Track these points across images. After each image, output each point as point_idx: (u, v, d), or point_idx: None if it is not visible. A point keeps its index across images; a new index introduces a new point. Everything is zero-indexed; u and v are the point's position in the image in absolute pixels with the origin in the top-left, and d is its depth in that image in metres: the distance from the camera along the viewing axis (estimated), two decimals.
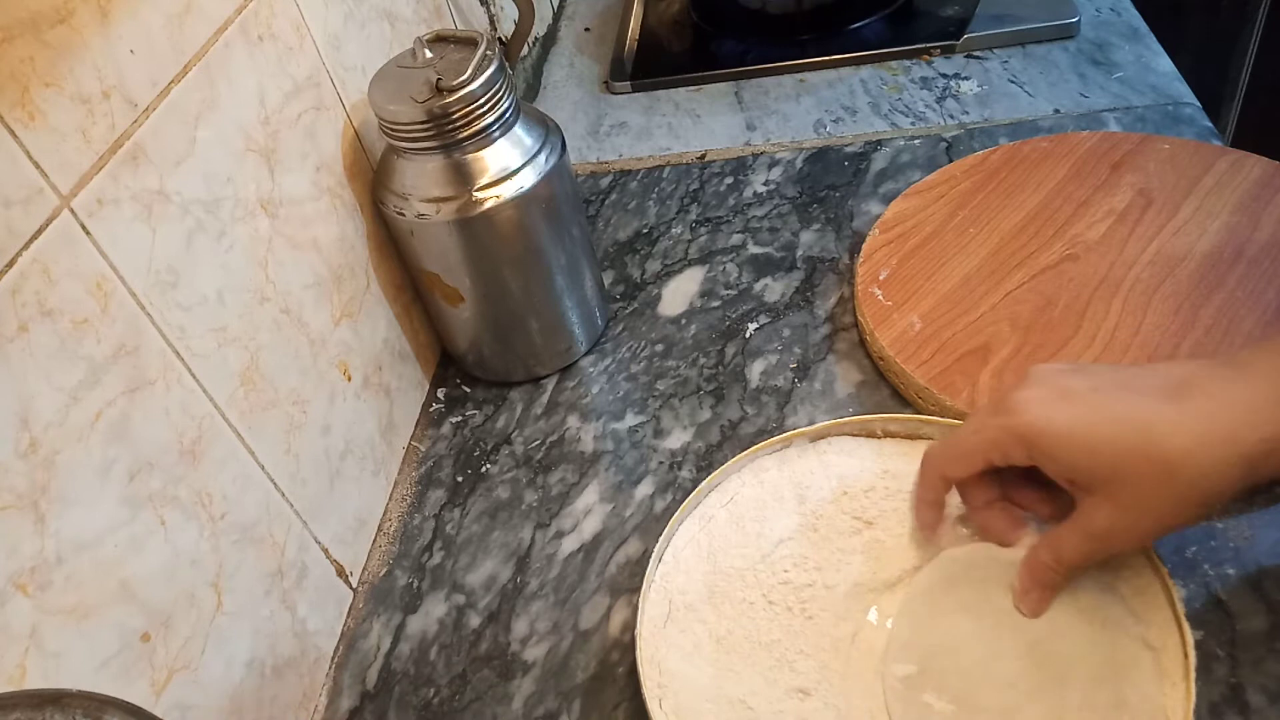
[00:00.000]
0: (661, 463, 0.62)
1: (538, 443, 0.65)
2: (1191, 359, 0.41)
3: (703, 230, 0.77)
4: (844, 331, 0.67)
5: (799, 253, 0.73)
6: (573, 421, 0.66)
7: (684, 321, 0.71)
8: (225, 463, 0.48)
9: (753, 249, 0.75)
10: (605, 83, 0.96)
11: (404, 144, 0.59)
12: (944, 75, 0.86)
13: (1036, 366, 0.44)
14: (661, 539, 0.53)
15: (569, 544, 0.59)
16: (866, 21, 0.93)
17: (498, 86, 0.58)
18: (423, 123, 0.57)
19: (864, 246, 0.69)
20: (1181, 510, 0.40)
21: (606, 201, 0.82)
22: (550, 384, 0.69)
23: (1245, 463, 0.38)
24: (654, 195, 0.82)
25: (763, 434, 0.61)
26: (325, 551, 0.56)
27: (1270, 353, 0.40)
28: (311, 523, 0.55)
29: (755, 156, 0.83)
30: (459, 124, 0.57)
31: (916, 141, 0.80)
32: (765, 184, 0.80)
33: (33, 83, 0.38)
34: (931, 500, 0.49)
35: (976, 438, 0.44)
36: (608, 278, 0.75)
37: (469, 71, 0.56)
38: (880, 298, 0.65)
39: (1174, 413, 0.39)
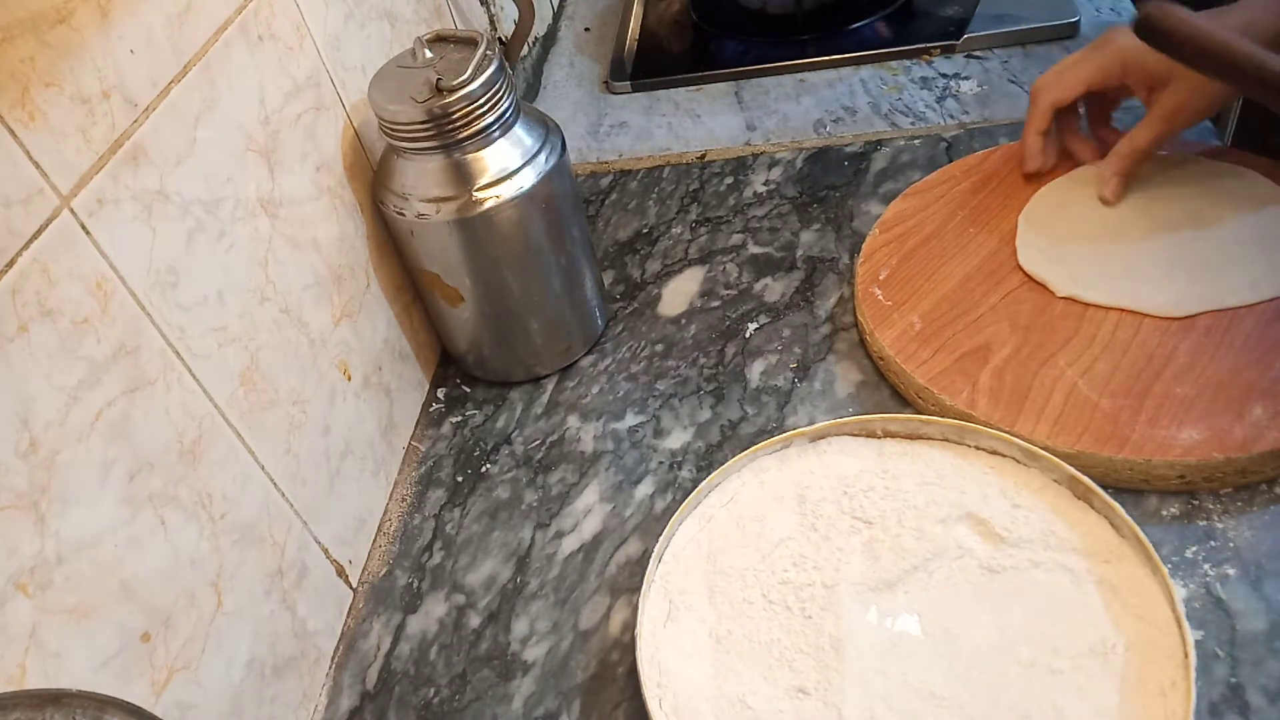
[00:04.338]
0: (661, 463, 0.62)
1: (538, 443, 0.65)
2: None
3: (703, 230, 0.77)
4: (844, 331, 0.67)
5: (799, 253, 0.73)
6: (573, 421, 0.66)
7: (684, 321, 0.71)
8: (225, 463, 0.48)
9: (753, 249, 0.75)
10: (605, 82, 0.96)
11: (404, 144, 0.59)
12: (944, 75, 0.86)
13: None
14: (661, 539, 0.53)
15: (569, 544, 0.59)
16: (866, 21, 0.93)
17: (498, 86, 0.58)
18: (423, 123, 0.57)
19: (864, 246, 0.69)
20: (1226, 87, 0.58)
21: (606, 201, 0.82)
22: (550, 384, 0.69)
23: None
24: (654, 195, 0.82)
25: (763, 434, 0.61)
26: (325, 551, 0.56)
27: None
28: (311, 522, 0.55)
29: (755, 156, 0.83)
30: (459, 124, 0.57)
31: (916, 141, 0.80)
32: (765, 184, 0.80)
33: (33, 83, 0.38)
34: (1042, 129, 0.66)
35: (1083, 66, 0.62)
36: (608, 278, 0.75)
37: (469, 71, 0.56)
38: (880, 297, 0.65)
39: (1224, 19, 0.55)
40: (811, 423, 0.60)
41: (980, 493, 0.53)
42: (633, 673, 0.50)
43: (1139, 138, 0.61)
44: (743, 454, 0.56)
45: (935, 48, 0.88)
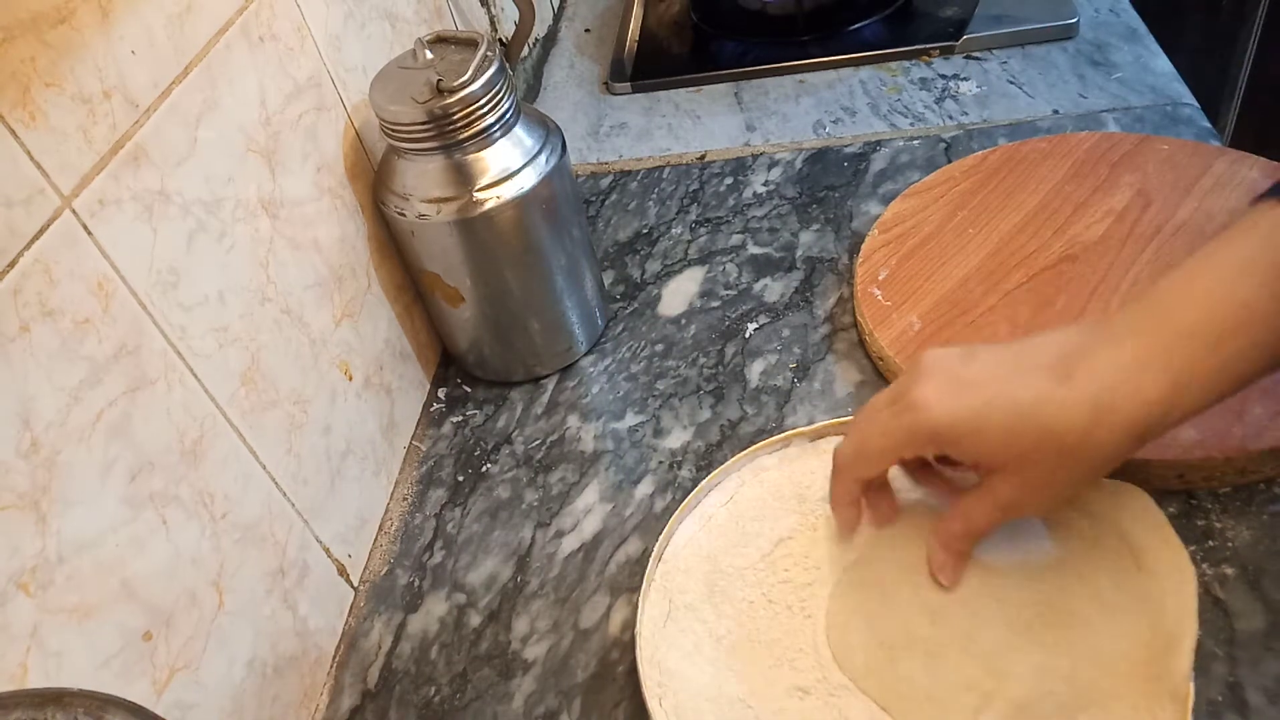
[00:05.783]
0: (661, 462, 0.62)
1: (538, 442, 0.65)
2: (1074, 324, 0.44)
3: (702, 230, 0.77)
4: (843, 331, 0.67)
5: (798, 253, 0.73)
6: (573, 421, 0.66)
7: (684, 321, 0.71)
8: (226, 462, 0.48)
9: (752, 249, 0.75)
10: (605, 83, 0.96)
11: (405, 144, 0.59)
12: (943, 76, 0.86)
13: (928, 353, 0.45)
14: (661, 538, 0.53)
15: (569, 543, 0.59)
16: (866, 22, 0.93)
17: (498, 87, 0.58)
18: (423, 123, 0.57)
19: (863, 247, 0.69)
20: (1081, 479, 0.43)
21: (606, 202, 0.83)
22: (550, 384, 0.69)
23: (1133, 430, 0.40)
24: (654, 196, 0.82)
25: (762, 433, 0.61)
26: (326, 550, 0.56)
27: (1140, 314, 0.41)
28: (313, 522, 0.55)
29: (755, 157, 0.83)
30: (460, 125, 0.57)
31: (915, 142, 0.80)
32: (765, 184, 0.80)
33: (34, 83, 0.38)
34: (851, 500, 0.50)
35: (886, 439, 0.46)
36: (608, 278, 0.75)
37: (469, 72, 0.57)
38: (879, 298, 0.65)
39: (1065, 393, 0.41)
40: (811, 422, 0.60)
41: None
42: (633, 672, 0.50)
43: (977, 518, 0.46)
44: (742, 453, 0.56)
45: (934, 49, 0.89)
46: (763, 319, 0.69)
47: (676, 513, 0.54)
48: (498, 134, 0.59)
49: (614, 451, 0.63)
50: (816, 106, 0.87)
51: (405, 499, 0.64)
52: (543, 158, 0.61)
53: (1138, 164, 0.70)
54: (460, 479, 0.65)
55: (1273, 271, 0.39)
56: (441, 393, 0.71)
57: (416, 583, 0.59)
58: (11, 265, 0.37)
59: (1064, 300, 0.62)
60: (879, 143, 0.81)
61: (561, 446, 0.65)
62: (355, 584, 0.59)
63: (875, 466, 0.48)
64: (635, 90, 0.94)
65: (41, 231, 0.38)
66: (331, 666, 0.56)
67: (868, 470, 0.48)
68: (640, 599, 0.51)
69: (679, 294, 0.73)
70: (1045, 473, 0.42)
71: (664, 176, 0.84)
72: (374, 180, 0.63)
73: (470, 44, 0.59)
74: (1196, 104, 0.78)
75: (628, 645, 0.53)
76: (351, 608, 0.59)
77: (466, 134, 0.58)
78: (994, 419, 0.42)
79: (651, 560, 0.52)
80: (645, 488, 0.61)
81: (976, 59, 0.87)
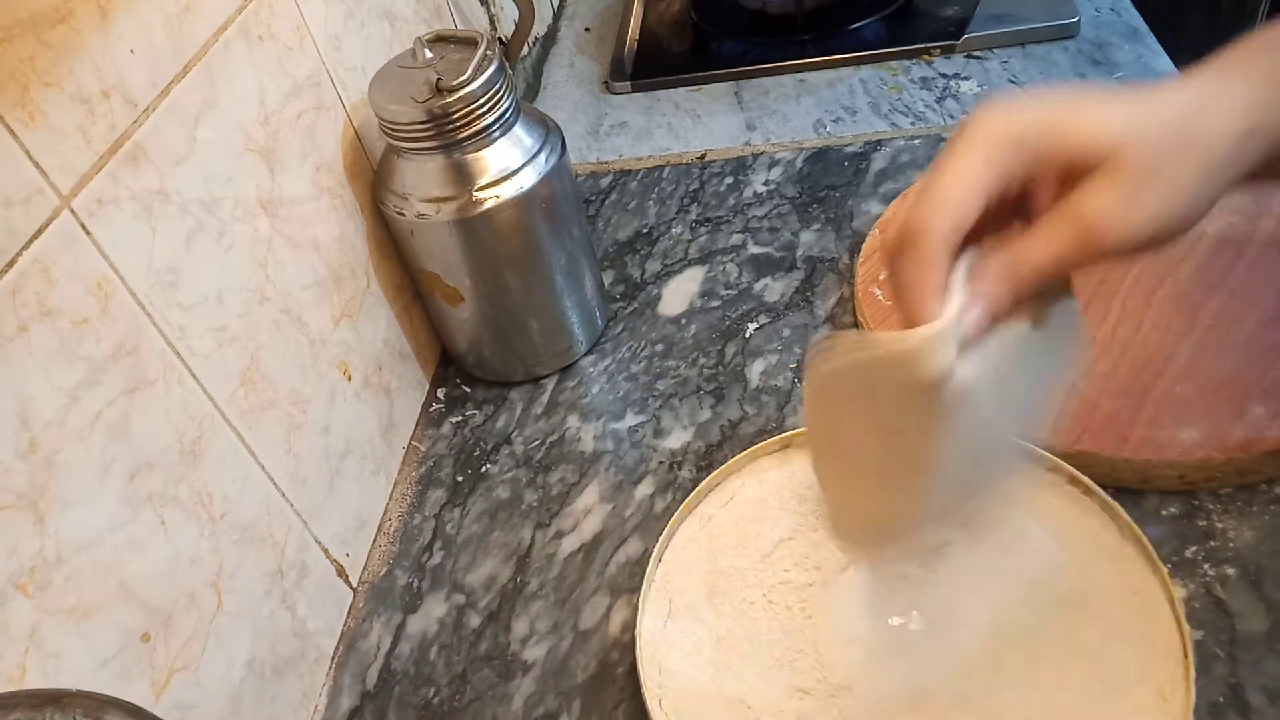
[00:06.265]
0: (661, 462, 0.62)
1: (538, 443, 0.65)
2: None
3: (703, 230, 0.77)
4: (844, 331, 0.67)
5: (799, 253, 0.73)
6: (573, 421, 0.66)
7: (684, 321, 0.71)
8: (225, 462, 0.48)
9: (753, 249, 0.75)
10: (605, 83, 0.96)
11: (404, 144, 0.59)
12: (944, 75, 0.86)
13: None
14: (661, 539, 0.53)
15: (569, 544, 0.59)
16: (866, 21, 0.93)
17: (497, 86, 0.58)
18: (423, 123, 0.57)
19: (864, 246, 0.69)
20: (1191, 182, 0.33)
21: (606, 201, 0.82)
22: (550, 384, 0.69)
23: (1230, 114, 0.34)
24: (654, 195, 0.82)
25: (763, 434, 0.61)
26: (325, 551, 0.56)
27: (1177, 80, 0.35)
28: (312, 522, 0.55)
29: (755, 156, 0.83)
30: (459, 124, 0.57)
31: (916, 141, 0.80)
32: (765, 184, 0.80)
33: (33, 82, 0.38)
34: (939, 285, 0.34)
35: (966, 167, 0.34)
36: (608, 278, 0.75)
37: (469, 71, 0.56)
38: (880, 298, 0.65)
39: (1148, 95, 0.34)
40: None
41: None
42: (632, 673, 0.50)
43: (1037, 251, 0.34)
44: (742, 454, 0.56)
45: (935, 48, 0.88)
46: (763, 319, 0.69)
47: (676, 513, 0.54)
48: (497, 133, 0.59)
49: (614, 452, 0.63)
50: (817, 106, 0.87)
51: (404, 499, 0.64)
52: (542, 157, 0.61)
53: None
54: (459, 479, 0.64)
55: None
56: (441, 393, 0.71)
57: (415, 583, 0.59)
58: (10, 265, 0.37)
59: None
60: (880, 142, 0.81)
61: (561, 447, 0.65)
62: (354, 585, 0.59)
63: (966, 208, 0.34)
64: (635, 89, 0.94)
65: (40, 231, 0.38)
66: (330, 667, 0.56)
67: (957, 215, 0.34)
68: (640, 600, 0.51)
69: (679, 294, 0.73)
70: (1155, 159, 0.32)
71: (664, 176, 0.83)
72: (373, 179, 0.63)
73: (470, 43, 0.59)
74: None
75: (628, 646, 0.53)
76: (350, 608, 0.59)
77: (466, 133, 0.58)
78: (1086, 107, 0.34)
79: (651, 561, 0.52)
80: (645, 488, 0.61)
81: (977, 58, 0.87)
